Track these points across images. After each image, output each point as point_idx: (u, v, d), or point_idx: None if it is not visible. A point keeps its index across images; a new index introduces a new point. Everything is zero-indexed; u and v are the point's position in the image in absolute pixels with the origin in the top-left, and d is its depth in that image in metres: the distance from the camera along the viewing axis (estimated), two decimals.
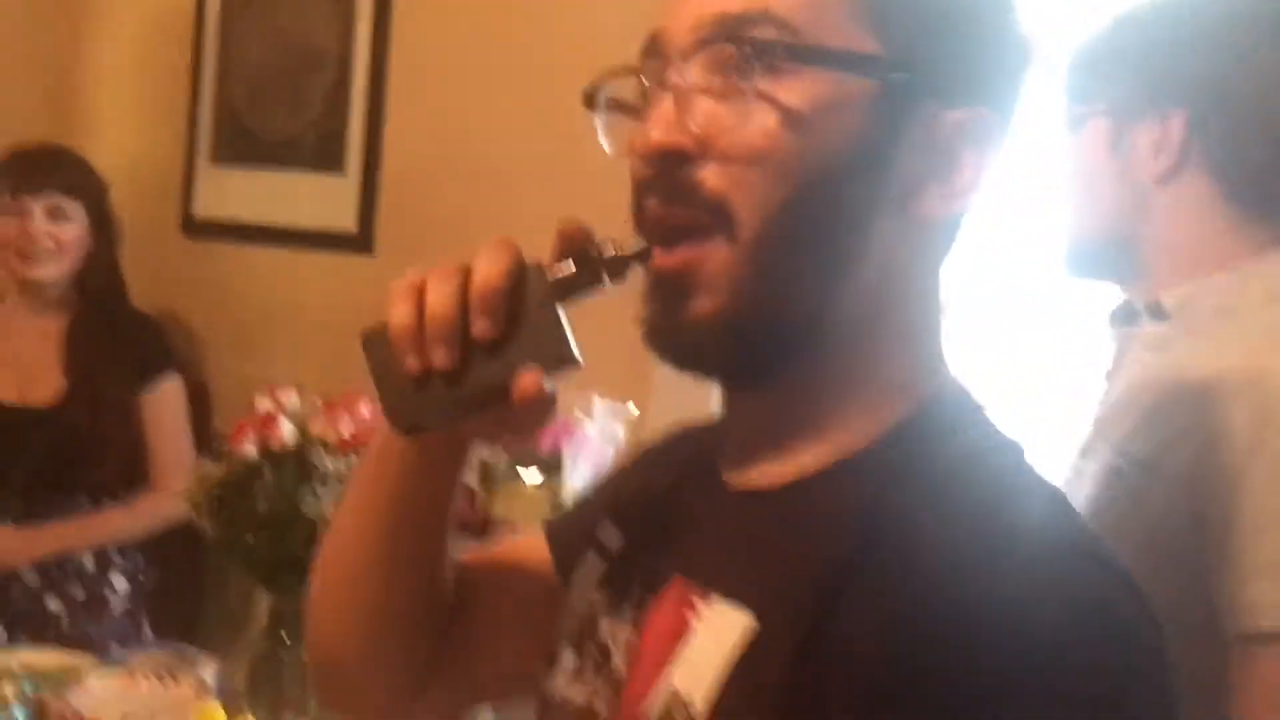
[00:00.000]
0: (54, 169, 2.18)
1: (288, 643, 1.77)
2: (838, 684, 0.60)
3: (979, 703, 0.56)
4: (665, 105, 0.68)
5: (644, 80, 0.70)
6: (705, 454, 0.77)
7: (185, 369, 2.35)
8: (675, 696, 0.67)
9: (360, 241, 2.31)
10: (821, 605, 0.62)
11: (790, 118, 0.65)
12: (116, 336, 2.22)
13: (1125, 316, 1.15)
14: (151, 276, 2.51)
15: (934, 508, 0.63)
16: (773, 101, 0.65)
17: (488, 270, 0.68)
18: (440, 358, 0.68)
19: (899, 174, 0.67)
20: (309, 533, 1.67)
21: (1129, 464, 1.04)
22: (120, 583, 2.14)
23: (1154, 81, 1.07)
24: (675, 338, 0.69)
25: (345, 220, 2.33)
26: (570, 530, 0.87)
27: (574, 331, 0.69)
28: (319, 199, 2.39)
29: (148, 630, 2.15)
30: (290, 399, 1.79)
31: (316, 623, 0.85)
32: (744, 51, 0.65)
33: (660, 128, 0.67)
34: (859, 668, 0.59)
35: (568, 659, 0.78)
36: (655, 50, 0.70)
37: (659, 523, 0.78)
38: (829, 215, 0.66)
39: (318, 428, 1.73)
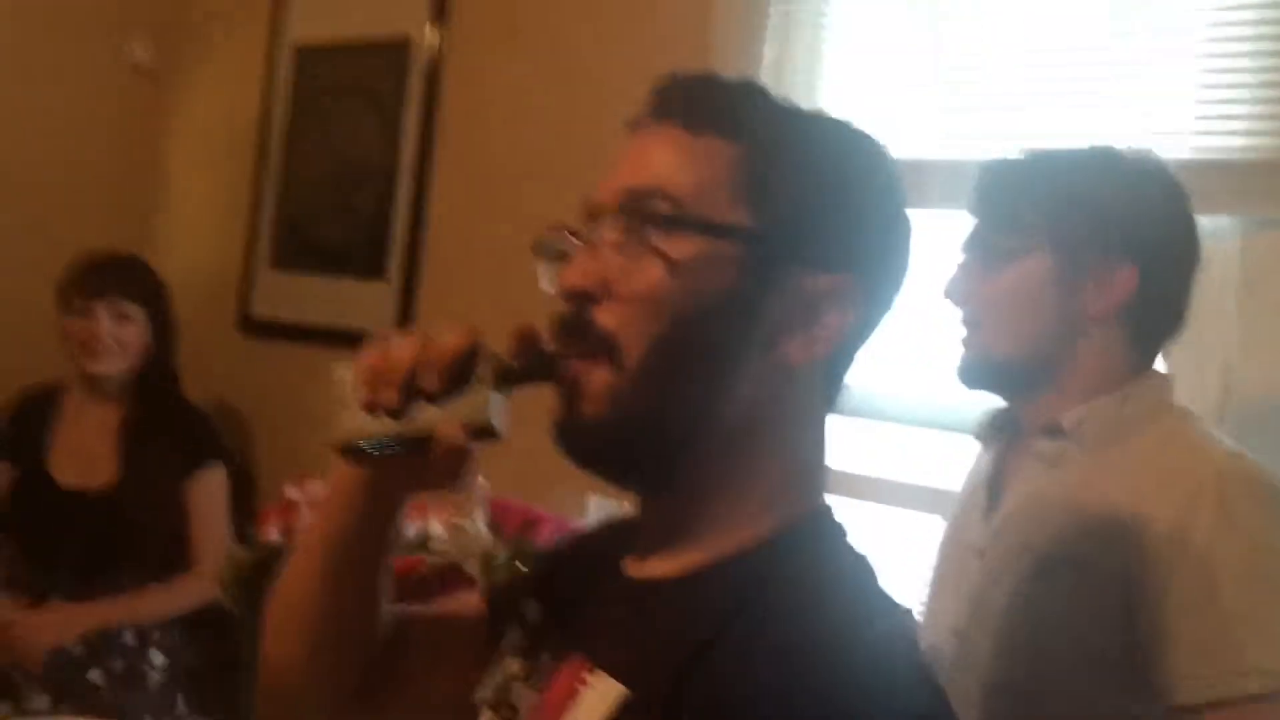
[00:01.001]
0: (118, 275, 2.38)
1: None
2: None
3: None
4: (582, 255, 0.83)
5: (571, 236, 0.86)
6: (619, 545, 0.90)
7: (232, 458, 2.50)
8: None
9: None
10: (684, 677, 0.74)
11: (669, 269, 0.79)
12: (168, 428, 2.38)
13: (1003, 430, 1.28)
14: (210, 370, 2.69)
15: (791, 610, 0.75)
16: (657, 256, 0.80)
17: (445, 341, 0.83)
18: (387, 397, 0.83)
19: (763, 324, 0.81)
20: None
21: (1061, 564, 1.15)
22: (158, 658, 2.25)
23: (1110, 233, 1.20)
24: (569, 436, 0.82)
25: (384, 322, 2.49)
26: (507, 598, 0.99)
27: (509, 415, 0.84)
28: (363, 302, 2.55)
29: (182, 705, 2.25)
30: (314, 487, 1.93)
31: (270, 636, 0.98)
32: (639, 217, 0.80)
33: (575, 272, 0.82)
34: None
35: (485, 717, 0.90)
36: (587, 212, 0.85)
37: (572, 603, 0.90)
38: (697, 351, 0.80)
39: None
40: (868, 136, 0.85)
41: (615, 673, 0.79)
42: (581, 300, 0.82)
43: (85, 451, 2.36)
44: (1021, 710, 1.16)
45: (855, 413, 1.74)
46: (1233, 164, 1.53)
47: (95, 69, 2.95)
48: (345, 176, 2.65)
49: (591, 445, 0.81)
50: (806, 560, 0.80)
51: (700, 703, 0.72)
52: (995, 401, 1.31)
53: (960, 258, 1.27)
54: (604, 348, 0.80)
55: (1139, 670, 1.11)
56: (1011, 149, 1.30)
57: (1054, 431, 1.22)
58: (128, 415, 2.38)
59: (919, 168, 1.43)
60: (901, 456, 1.85)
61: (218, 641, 2.38)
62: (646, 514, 0.87)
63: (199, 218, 3.02)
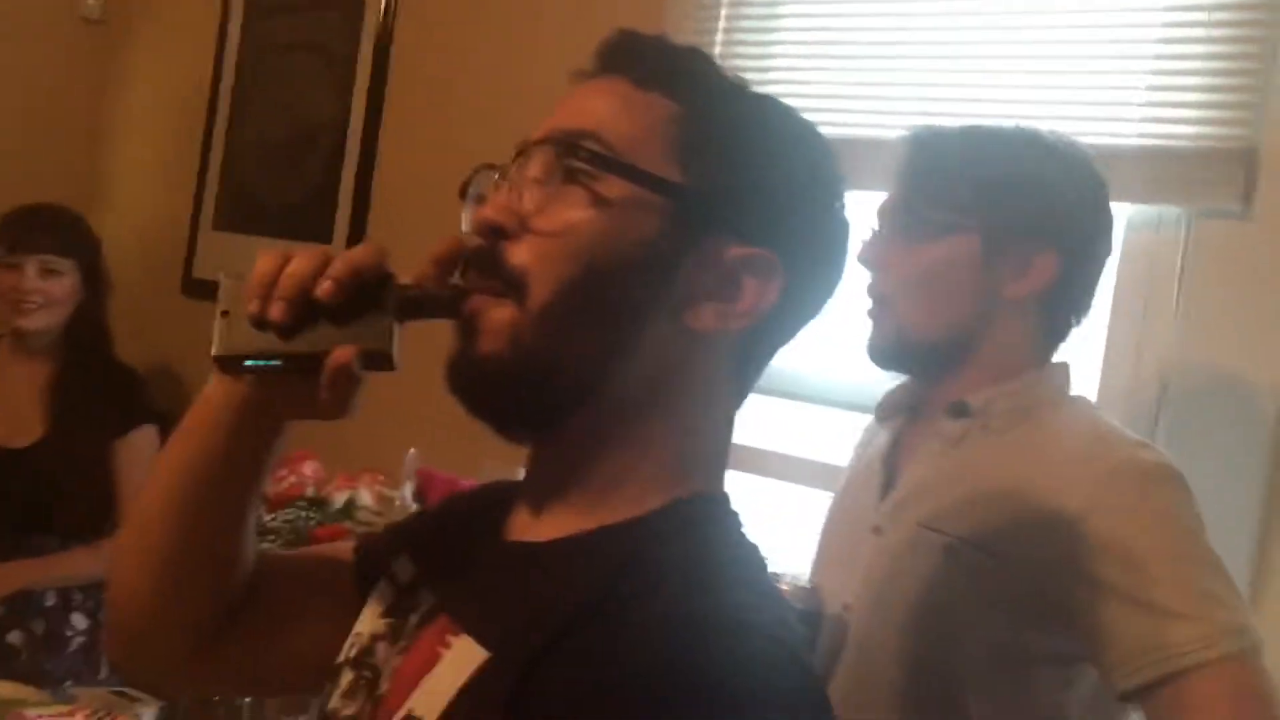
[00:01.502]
0: (48, 228, 2.31)
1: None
2: (549, 712, 0.67)
3: None
4: (502, 191, 0.79)
5: (496, 175, 0.81)
6: (501, 508, 0.85)
7: (165, 420, 2.44)
8: (410, 715, 0.74)
9: None
10: (548, 644, 0.69)
11: (593, 208, 0.76)
12: (98, 387, 2.32)
13: (902, 409, 1.27)
14: (152, 331, 2.64)
15: (672, 586, 0.71)
16: (581, 193, 0.76)
17: (349, 255, 0.77)
18: (278, 310, 0.76)
19: (678, 286, 0.77)
20: None
21: (969, 547, 1.13)
22: (80, 621, 2.22)
23: (1036, 218, 1.19)
24: (461, 373, 0.77)
25: None
26: (376, 551, 0.94)
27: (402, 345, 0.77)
28: None
29: (104, 669, 2.21)
30: None
31: (116, 566, 0.90)
32: (568, 154, 0.76)
33: (491, 206, 0.78)
34: (561, 706, 0.67)
35: (346, 677, 0.85)
36: (516, 151, 0.80)
37: (443, 564, 0.86)
38: (607, 302, 0.76)
39: None
40: (809, 125, 0.83)
41: (479, 636, 0.75)
42: (494, 234, 0.77)
43: (12, 409, 2.30)
44: (939, 687, 1.14)
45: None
46: (1181, 153, 1.50)
47: (44, 19, 2.88)
48: (295, 136, 2.60)
49: (482, 384, 0.77)
50: (694, 540, 0.76)
51: (562, 672, 0.68)
52: (894, 379, 1.30)
53: (877, 224, 1.24)
54: (511, 284, 0.76)
55: (1054, 656, 1.11)
56: (941, 121, 1.27)
57: (959, 411, 1.21)
58: (56, 373, 2.31)
59: (863, 146, 1.41)
60: (792, 431, 1.83)
61: None
62: (532, 473, 0.82)
63: (145, 175, 2.96)
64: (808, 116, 0.83)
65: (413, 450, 1.79)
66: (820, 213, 0.82)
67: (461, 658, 0.74)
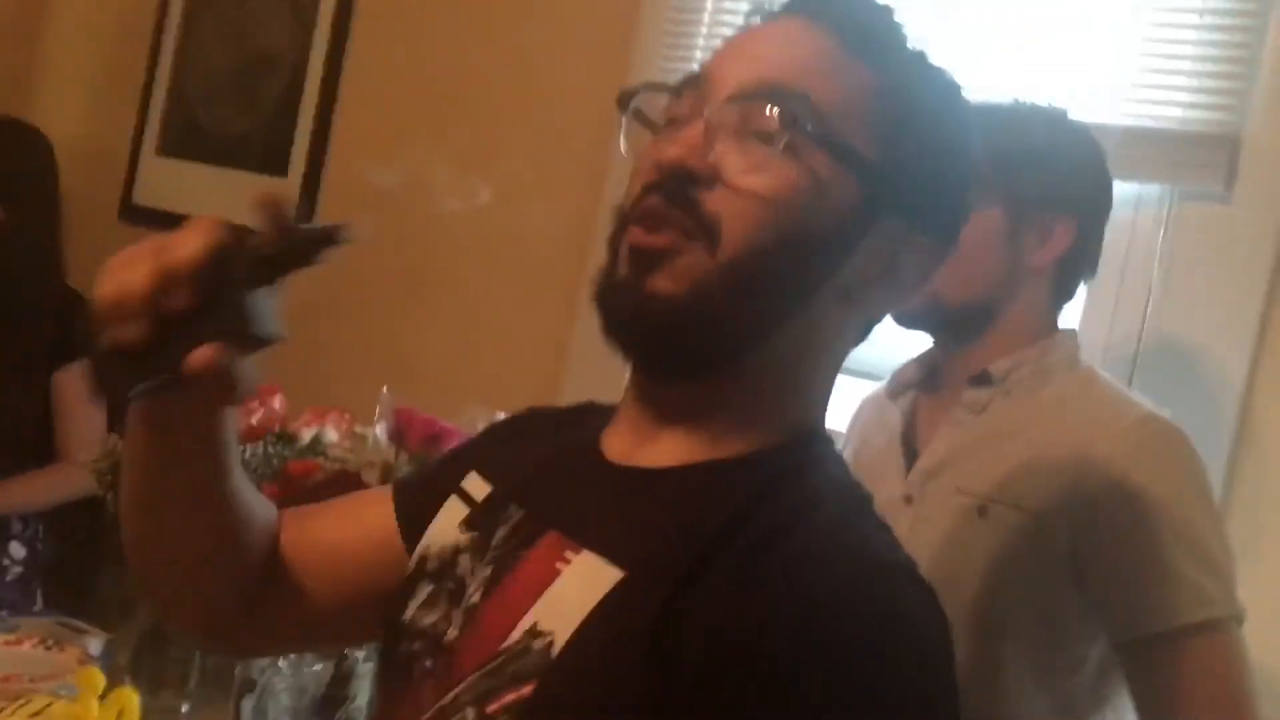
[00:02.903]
0: None
1: None
2: (687, 643, 0.68)
3: (809, 681, 0.65)
4: (694, 130, 0.76)
5: (679, 103, 0.79)
6: (583, 434, 0.86)
7: None
8: (535, 628, 0.74)
9: None
10: (687, 572, 0.70)
11: (796, 181, 0.75)
12: (37, 313, 2.21)
13: (916, 383, 1.32)
14: (88, 257, 2.54)
15: (801, 512, 0.73)
16: (790, 162, 0.75)
17: (180, 250, 0.71)
18: (130, 332, 0.70)
19: (853, 268, 0.78)
20: None
21: (1001, 506, 1.18)
22: (17, 550, 2.14)
23: (1054, 189, 1.25)
24: (627, 302, 0.76)
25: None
26: (421, 486, 0.94)
27: (277, 306, 0.72)
28: None
29: (40, 600, 2.15)
30: None
31: (130, 556, 0.89)
32: (781, 116, 0.75)
33: (686, 148, 0.75)
34: (708, 633, 0.67)
35: (423, 590, 0.85)
36: (697, 86, 0.79)
37: (532, 483, 0.85)
38: (789, 271, 0.76)
39: None
40: (970, 103, 0.83)
41: (608, 555, 0.74)
42: (684, 179, 0.75)
43: None
44: (974, 649, 1.18)
45: None
46: (1167, 134, 1.56)
47: None
48: (250, 64, 2.52)
49: (645, 318, 0.75)
50: (823, 476, 0.79)
51: (708, 597, 0.69)
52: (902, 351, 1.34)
53: None
54: (705, 231, 0.74)
55: (1086, 607, 1.16)
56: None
57: (982, 380, 1.25)
58: None
59: None
60: None
61: (77, 536, 2.28)
62: (647, 402, 0.81)
63: (83, 92, 2.84)
64: None
65: (385, 389, 1.77)
66: (967, 198, 0.84)
67: (590, 574, 0.74)
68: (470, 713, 0.74)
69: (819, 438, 0.82)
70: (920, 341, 1.37)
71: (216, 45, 2.59)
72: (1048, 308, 1.29)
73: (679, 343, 0.76)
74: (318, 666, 1.66)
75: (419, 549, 0.87)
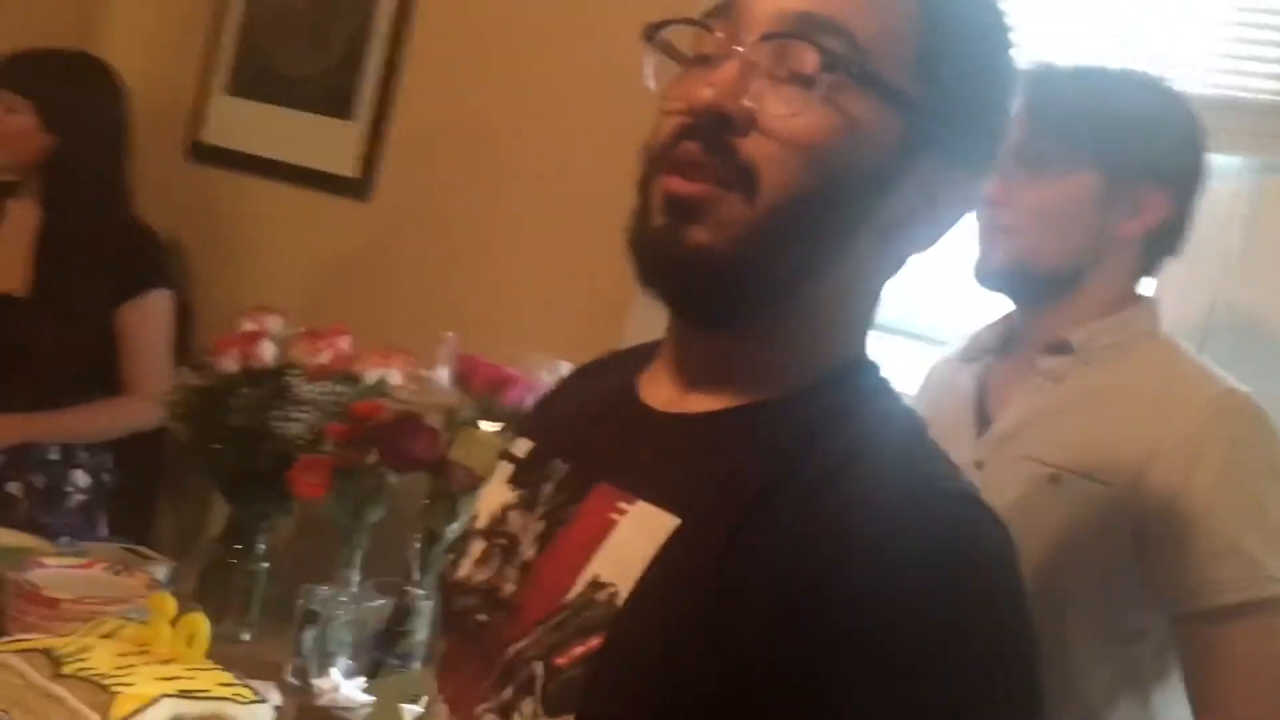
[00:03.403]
0: (10, 65, 2.22)
1: (239, 552, 1.85)
2: (753, 587, 0.68)
3: (880, 619, 0.65)
4: (729, 70, 0.73)
5: (715, 39, 0.75)
6: (622, 382, 0.85)
7: (178, 286, 2.39)
8: (597, 581, 0.74)
9: (359, 187, 2.38)
10: (745, 516, 0.70)
11: (838, 126, 0.72)
12: (102, 245, 2.24)
13: (991, 348, 1.31)
14: (153, 195, 2.57)
15: (856, 449, 0.72)
16: (829, 107, 0.72)
17: None
18: None
19: (892, 206, 0.76)
20: (275, 450, 1.75)
21: (1070, 474, 1.18)
22: (82, 478, 2.18)
23: (1152, 159, 1.23)
24: (664, 252, 0.74)
25: (347, 165, 2.40)
26: None
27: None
28: (325, 141, 2.44)
29: (104, 528, 2.20)
30: (273, 322, 1.87)
31: None
32: (821, 58, 0.71)
33: (721, 90, 0.72)
34: (774, 575, 0.68)
35: (475, 547, 0.85)
36: (728, 16, 0.75)
37: (574, 436, 0.85)
38: (831, 217, 0.74)
39: (298, 353, 1.81)
40: (1014, 29, 0.80)
41: (663, 503, 0.74)
42: (720, 124, 0.72)
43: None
44: (1038, 615, 1.18)
45: None
46: (1252, 105, 1.53)
47: None
48: (321, 5, 2.52)
49: (683, 268, 0.74)
50: (874, 409, 0.77)
51: (771, 537, 0.69)
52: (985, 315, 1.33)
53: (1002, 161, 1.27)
54: (742, 179, 0.72)
55: (1148, 579, 1.15)
56: (1054, 61, 1.29)
57: (1061, 348, 1.25)
58: (47, 222, 2.23)
59: None
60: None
61: (141, 466, 2.32)
62: (693, 349, 0.80)
63: (153, 30, 2.86)
64: None
65: (450, 334, 1.79)
66: (1006, 127, 0.81)
67: (647, 523, 0.74)
68: (539, 667, 0.74)
69: (866, 367, 0.80)
70: (981, 307, 1.36)
71: None
72: (1131, 279, 1.28)
73: (720, 292, 0.74)
74: (379, 601, 1.69)
75: (473, 511, 0.88)
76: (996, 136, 0.79)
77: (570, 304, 2.03)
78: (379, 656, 1.65)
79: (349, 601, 1.68)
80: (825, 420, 0.75)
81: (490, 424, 1.70)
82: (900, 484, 0.71)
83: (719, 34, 0.75)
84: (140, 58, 2.81)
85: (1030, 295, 1.29)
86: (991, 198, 1.25)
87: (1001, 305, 1.35)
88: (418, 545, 1.70)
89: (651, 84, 0.78)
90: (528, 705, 0.74)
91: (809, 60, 0.72)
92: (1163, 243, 1.27)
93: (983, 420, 1.29)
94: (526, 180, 2.16)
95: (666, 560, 0.72)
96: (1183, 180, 1.25)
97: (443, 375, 1.79)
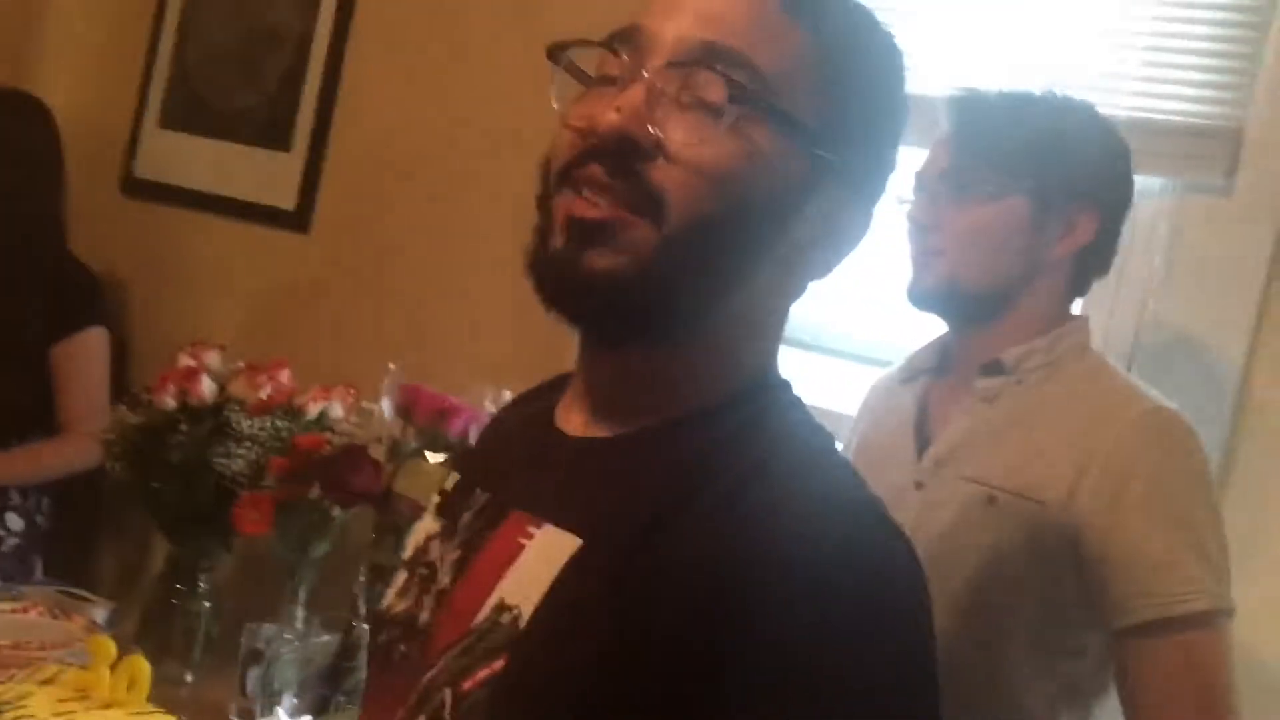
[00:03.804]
0: None
1: (181, 592, 1.82)
2: (652, 603, 0.68)
3: (777, 622, 0.66)
4: (634, 95, 0.73)
5: (620, 62, 0.75)
6: (541, 411, 0.86)
7: (113, 322, 2.36)
8: (502, 604, 0.74)
9: (297, 219, 2.37)
10: (646, 534, 0.71)
11: (743, 156, 0.73)
12: (34, 282, 2.21)
13: (927, 370, 1.34)
14: (87, 230, 2.54)
15: (763, 461, 0.73)
16: (735, 137, 0.73)
17: None
18: None
19: (795, 233, 0.77)
20: (216, 487, 1.74)
21: (1007, 494, 1.20)
22: (14, 521, 2.14)
23: (1080, 180, 1.26)
24: (564, 276, 0.75)
25: (285, 198, 2.39)
26: None
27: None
28: (262, 174, 2.43)
29: (39, 571, 2.16)
30: (212, 358, 1.85)
31: None
32: (728, 89, 0.73)
33: (627, 114, 0.73)
34: (673, 592, 0.68)
35: (399, 578, 0.87)
36: (633, 41, 0.76)
37: (496, 466, 0.87)
38: (735, 243, 0.75)
39: (237, 388, 1.79)
40: (902, 54, 0.82)
41: (566, 525, 0.74)
42: (626, 149, 0.73)
43: None
44: (978, 632, 1.20)
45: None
46: (1170, 126, 1.58)
47: None
48: (255, 39, 2.51)
49: (586, 292, 0.74)
50: (781, 424, 0.78)
51: (672, 551, 0.69)
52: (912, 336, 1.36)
53: (924, 186, 1.29)
54: (649, 205, 0.73)
55: (1083, 595, 1.17)
56: (976, 83, 1.32)
57: (994, 369, 1.27)
58: None
59: None
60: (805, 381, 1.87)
61: (79, 506, 2.29)
62: (594, 374, 0.81)
63: (85, 64, 2.83)
64: None
65: (393, 365, 1.78)
66: (897, 155, 0.83)
67: (550, 546, 0.74)
68: (447, 694, 0.74)
69: (773, 385, 0.81)
70: (926, 327, 1.39)
71: (220, 19, 2.58)
72: (1062, 298, 1.30)
73: (623, 314, 0.75)
74: (325, 638, 1.68)
75: (405, 544, 0.90)
76: (888, 167, 0.82)
77: (511, 332, 2.03)
78: (326, 693, 1.64)
79: (294, 639, 1.66)
80: (732, 435, 0.76)
81: (435, 455, 1.69)
82: (804, 493, 0.72)
83: (624, 57, 0.75)
84: (72, 91, 2.78)
85: (962, 316, 1.31)
86: (921, 221, 1.27)
87: (936, 326, 1.37)
88: (363, 579, 1.68)
89: (554, 104, 0.79)
90: None
91: (715, 90, 0.73)
92: (1091, 262, 1.30)
93: (922, 441, 1.31)
94: (465, 208, 2.17)
95: (566, 579, 0.73)
96: (1110, 199, 1.29)
97: (386, 407, 1.78)
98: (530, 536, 0.76)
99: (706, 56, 0.74)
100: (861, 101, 0.78)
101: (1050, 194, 1.25)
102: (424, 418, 1.71)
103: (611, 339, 0.79)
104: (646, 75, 0.74)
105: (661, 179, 0.73)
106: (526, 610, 0.73)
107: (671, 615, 0.68)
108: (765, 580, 0.67)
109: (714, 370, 0.79)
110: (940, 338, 1.37)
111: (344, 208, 2.35)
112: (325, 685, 1.65)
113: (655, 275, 0.74)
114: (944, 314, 1.33)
